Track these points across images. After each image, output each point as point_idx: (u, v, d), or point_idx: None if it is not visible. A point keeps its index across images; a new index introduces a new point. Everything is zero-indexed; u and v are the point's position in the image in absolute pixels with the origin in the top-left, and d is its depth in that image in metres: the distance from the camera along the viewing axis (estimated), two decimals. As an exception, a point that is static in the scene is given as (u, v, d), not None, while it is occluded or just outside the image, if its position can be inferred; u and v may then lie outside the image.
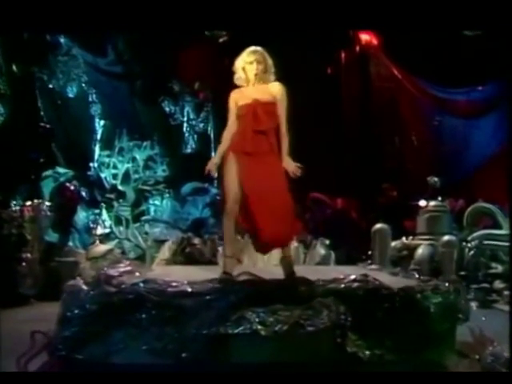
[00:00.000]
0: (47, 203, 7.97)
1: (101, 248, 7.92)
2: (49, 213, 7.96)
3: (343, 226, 10.45)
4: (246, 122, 5.12)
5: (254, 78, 5.20)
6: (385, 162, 11.36)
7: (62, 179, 10.33)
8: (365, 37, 11.44)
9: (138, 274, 5.45)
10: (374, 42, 11.36)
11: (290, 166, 5.01)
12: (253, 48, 5.30)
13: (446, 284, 4.75)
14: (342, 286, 4.52)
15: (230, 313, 4.35)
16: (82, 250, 8.63)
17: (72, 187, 9.12)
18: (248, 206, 4.97)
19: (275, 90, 5.23)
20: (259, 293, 4.44)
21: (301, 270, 5.22)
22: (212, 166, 5.11)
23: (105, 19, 10.96)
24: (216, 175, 5.23)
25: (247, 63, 5.23)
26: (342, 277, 4.66)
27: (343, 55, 11.64)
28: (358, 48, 11.56)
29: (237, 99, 5.20)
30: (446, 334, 4.65)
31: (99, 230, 8.43)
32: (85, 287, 4.56)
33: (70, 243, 9.98)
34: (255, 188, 4.98)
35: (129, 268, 5.64)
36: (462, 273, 7.82)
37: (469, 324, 4.78)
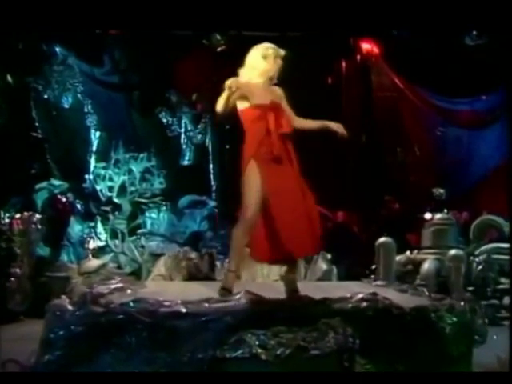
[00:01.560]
0: (37, 216, 7.56)
1: (93, 263, 7.51)
2: (40, 226, 7.55)
3: (344, 240, 10.07)
4: (267, 124, 4.64)
5: (272, 75, 4.72)
6: (387, 174, 10.99)
7: (56, 191, 10.06)
8: (365, 46, 11.11)
9: (129, 291, 5.07)
10: (375, 50, 11.04)
11: (339, 127, 4.78)
12: (275, 48, 4.78)
13: (462, 303, 4.34)
14: (350, 305, 4.09)
15: (227, 335, 3.95)
16: (77, 264, 8.23)
17: (64, 199, 8.75)
18: (272, 215, 4.55)
19: (281, 94, 4.86)
20: (259, 313, 4.02)
21: (302, 287, 4.85)
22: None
23: (101, 27, 10.65)
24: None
25: (273, 57, 4.70)
26: (348, 295, 4.24)
27: (343, 64, 11.30)
28: (358, 57, 11.22)
29: (246, 92, 4.67)
30: (461, 358, 4.25)
31: (92, 244, 8.00)
32: (70, 307, 4.14)
33: (65, 257, 9.79)
34: (282, 197, 4.56)
35: (120, 285, 5.24)
36: (470, 288, 7.41)
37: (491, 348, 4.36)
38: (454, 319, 4.24)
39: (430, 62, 10.45)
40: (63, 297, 4.40)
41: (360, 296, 4.17)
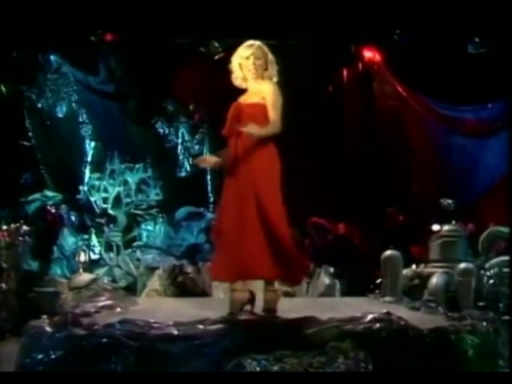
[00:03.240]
0: (25, 227, 7.06)
1: (84, 277, 7.00)
2: (28, 238, 7.05)
3: (346, 253, 9.63)
4: (229, 127, 4.48)
5: (251, 76, 4.40)
6: (390, 185, 10.47)
7: (50, 203, 9.66)
8: (367, 53, 10.71)
9: (119, 309, 4.64)
10: (377, 58, 10.65)
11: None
12: (250, 41, 4.50)
13: (484, 323, 3.85)
14: (361, 326, 3.62)
15: (224, 360, 3.48)
16: (67, 278, 7.74)
17: (53, 210, 8.27)
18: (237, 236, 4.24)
19: (265, 88, 4.44)
20: (260, 336, 3.53)
21: (305, 303, 4.43)
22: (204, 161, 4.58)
23: (97, 34, 10.23)
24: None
25: (243, 59, 4.44)
26: (359, 315, 3.76)
27: (345, 72, 10.89)
28: (360, 65, 10.80)
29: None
30: (484, 384, 3.74)
31: (83, 257, 7.50)
32: (49, 328, 3.66)
33: (57, 271, 9.36)
34: (240, 217, 4.29)
35: (109, 302, 4.80)
36: (481, 304, 6.90)
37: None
38: (477, 341, 3.76)
39: (434, 69, 10.04)
40: (43, 317, 3.92)
41: (372, 316, 3.70)
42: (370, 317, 3.67)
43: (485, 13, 7.62)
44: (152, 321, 3.65)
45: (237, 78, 4.66)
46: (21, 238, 6.96)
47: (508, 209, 8.10)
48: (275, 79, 4.63)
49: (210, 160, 4.62)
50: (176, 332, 3.51)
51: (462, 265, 7.06)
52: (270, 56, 4.65)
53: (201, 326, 3.54)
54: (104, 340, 3.52)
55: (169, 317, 4.11)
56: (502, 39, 9.01)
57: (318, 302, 5.63)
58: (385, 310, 3.81)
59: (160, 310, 4.71)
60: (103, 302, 4.81)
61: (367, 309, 4.22)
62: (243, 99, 4.58)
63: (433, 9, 7.81)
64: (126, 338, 3.49)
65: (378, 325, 3.61)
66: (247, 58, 4.50)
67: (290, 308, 4.47)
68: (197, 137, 11.54)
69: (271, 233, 4.16)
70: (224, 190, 4.51)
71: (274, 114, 4.46)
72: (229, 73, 4.79)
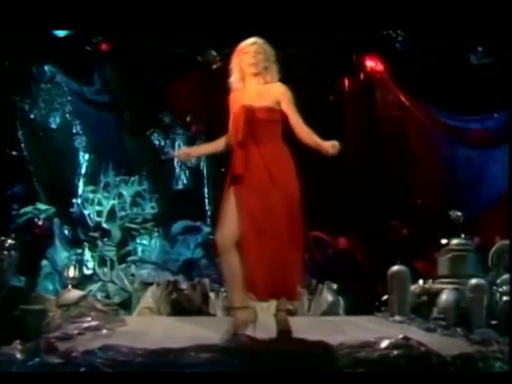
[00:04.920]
0: (10, 241, 6.59)
1: (73, 294, 6.50)
2: (13, 252, 6.57)
3: (347, 269, 9.24)
4: (237, 133, 4.04)
5: (249, 71, 3.96)
6: (392, 197, 10.06)
7: (42, 216, 9.31)
8: (369, 62, 10.35)
9: (105, 330, 4.14)
10: (379, 67, 10.29)
11: (329, 147, 4.03)
12: (252, 39, 4.07)
13: (514, 349, 3.35)
14: (377, 354, 3.09)
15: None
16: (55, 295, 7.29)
17: (41, 222, 7.83)
18: (244, 247, 3.83)
19: (277, 91, 3.98)
20: (261, 365, 3.02)
21: (308, 323, 3.98)
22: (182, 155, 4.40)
23: (92, 43, 9.87)
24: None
25: (243, 53, 4.01)
26: (372, 340, 3.25)
27: (346, 82, 10.53)
28: (362, 74, 10.43)
29: (232, 103, 4.01)
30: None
31: (72, 272, 7.02)
32: (20, 356, 3.15)
33: (49, 286, 9.12)
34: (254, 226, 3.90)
35: (94, 323, 4.29)
36: (494, 322, 6.42)
37: None
38: (506, 369, 3.24)
39: (437, 78, 9.68)
40: (15, 342, 3.41)
41: (388, 341, 3.18)
42: (385, 342, 3.15)
43: (488, 22, 7.28)
44: (138, 347, 3.15)
45: (235, 80, 4.21)
46: (5, 253, 6.46)
47: (508, 223, 7.67)
48: (276, 78, 4.18)
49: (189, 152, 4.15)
50: (164, 360, 3.01)
51: (474, 281, 6.58)
52: (272, 55, 4.20)
53: (192, 354, 3.02)
54: (82, 369, 3.00)
55: (159, 340, 3.65)
56: (505, 49, 8.76)
57: (323, 321, 5.14)
58: (401, 335, 3.29)
59: (150, 331, 4.23)
60: (88, 322, 4.32)
61: (376, 329, 3.75)
62: (250, 101, 4.09)
63: (435, 17, 7.50)
64: (107, 367, 2.98)
65: (395, 352, 3.10)
66: (247, 52, 4.07)
67: (293, 329, 3.97)
68: (194, 149, 11.37)
69: (297, 248, 3.77)
70: (235, 198, 3.97)
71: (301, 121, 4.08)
72: (227, 83, 4.38)
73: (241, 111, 4.03)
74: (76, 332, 3.98)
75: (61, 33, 9.67)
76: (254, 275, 3.79)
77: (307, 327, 4.20)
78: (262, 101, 4.04)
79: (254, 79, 4.08)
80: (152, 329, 4.45)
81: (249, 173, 3.95)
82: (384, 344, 3.12)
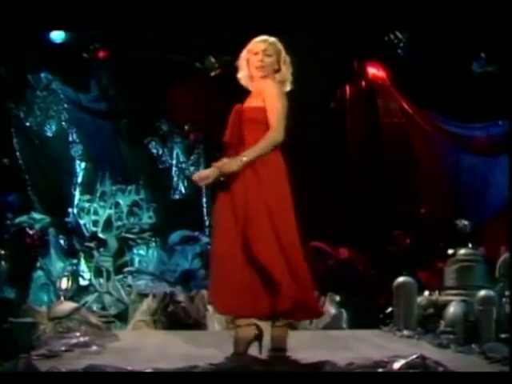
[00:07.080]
0: (0, 251, 6.30)
1: (66, 306, 6.15)
2: (3, 263, 6.27)
3: (349, 280, 8.97)
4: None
5: (257, 74, 3.68)
6: (396, 206, 9.84)
7: (37, 226, 9.08)
8: (371, 69, 10.15)
9: (95, 347, 3.84)
10: (382, 74, 10.11)
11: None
12: (263, 37, 3.78)
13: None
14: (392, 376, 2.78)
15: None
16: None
17: (32, 232, 7.55)
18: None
19: (265, 88, 3.71)
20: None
21: (311, 337, 3.69)
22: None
23: (89, 50, 9.67)
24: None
25: (252, 54, 3.72)
26: (386, 359, 2.92)
27: (347, 89, 10.30)
28: (363, 81, 10.22)
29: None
30: None
31: (64, 284, 6.72)
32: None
33: (44, 298, 8.82)
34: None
35: (83, 339, 3.96)
36: (503, 335, 6.10)
37: None
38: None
39: (441, 85, 9.48)
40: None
41: (402, 362, 2.85)
42: (399, 362, 2.83)
43: (491, 28, 7.07)
44: (125, 367, 2.83)
45: (242, 77, 3.94)
46: (-5, 263, 6.16)
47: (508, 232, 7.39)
48: (289, 85, 3.89)
49: (208, 174, 3.80)
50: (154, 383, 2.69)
51: (482, 292, 6.24)
52: (285, 56, 3.91)
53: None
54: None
55: (152, 357, 3.36)
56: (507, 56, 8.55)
57: (326, 335, 4.82)
58: (416, 354, 2.97)
59: (143, 347, 3.91)
60: (77, 338, 4.00)
61: (385, 346, 3.46)
62: (246, 102, 3.86)
63: (437, 22, 7.30)
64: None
65: (410, 372, 2.79)
66: (256, 53, 3.78)
67: (296, 345, 3.66)
68: (192, 158, 11.13)
69: (289, 259, 3.44)
70: (219, 206, 3.75)
71: (273, 118, 3.72)
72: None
73: (232, 112, 3.80)
74: (63, 349, 3.67)
75: (57, 39, 9.49)
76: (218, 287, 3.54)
77: (310, 342, 3.90)
78: (253, 101, 3.79)
79: (262, 80, 3.80)
80: (145, 344, 4.14)
81: (234, 176, 3.67)
82: (398, 365, 2.80)
